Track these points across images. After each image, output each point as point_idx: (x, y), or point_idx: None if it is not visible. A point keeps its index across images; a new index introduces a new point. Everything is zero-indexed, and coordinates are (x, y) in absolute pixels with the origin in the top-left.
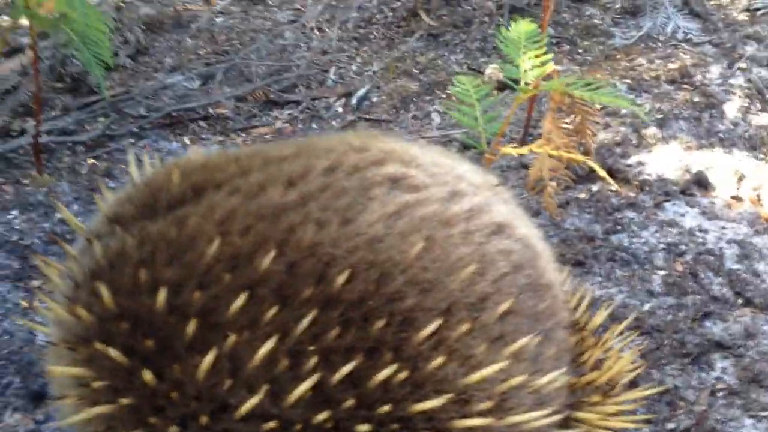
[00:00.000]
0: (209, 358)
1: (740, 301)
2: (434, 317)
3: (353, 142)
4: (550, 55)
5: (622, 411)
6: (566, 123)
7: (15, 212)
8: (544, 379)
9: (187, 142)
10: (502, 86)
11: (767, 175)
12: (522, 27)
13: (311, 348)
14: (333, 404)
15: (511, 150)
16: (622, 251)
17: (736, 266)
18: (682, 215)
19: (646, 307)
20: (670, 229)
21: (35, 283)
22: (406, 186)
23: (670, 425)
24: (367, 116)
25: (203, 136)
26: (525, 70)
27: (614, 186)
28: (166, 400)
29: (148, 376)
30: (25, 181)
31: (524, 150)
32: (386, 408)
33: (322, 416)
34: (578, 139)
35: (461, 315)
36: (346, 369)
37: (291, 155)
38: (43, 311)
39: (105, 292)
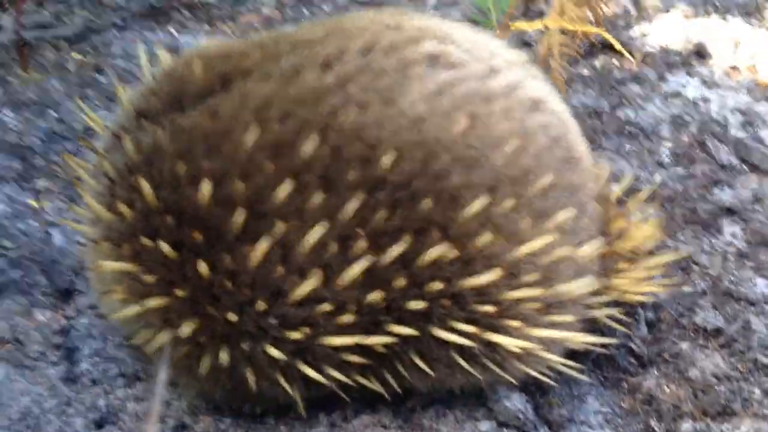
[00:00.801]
0: (262, 248)
1: (746, 167)
2: (480, 194)
3: (386, 20)
4: None
5: (647, 277)
6: None
7: (7, 111)
8: (586, 249)
9: (173, 32)
10: None
11: (762, 42)
12: None
13: (360, 231)
14: (384, 284)
15: (525, 25)
16: (629, 125)
17: (740, 134)
18: (684, 86)
19: (657, 178)
20: (674, 101)
21: (41, 183)
22: (444, 63)
23: (687, 289)
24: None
25: (188, 25)
26: None
27: (631, 59)
28: (221, 289)
29: (202, 267)
30: (11, 79)
31: (538, 24)
32: (437, 285)
33: (374, 296)
34: (588, 11)
35: (506, 190)
36: (396, 250)
37: (321, 37)
38: (80, 210)
39: (146, 186)
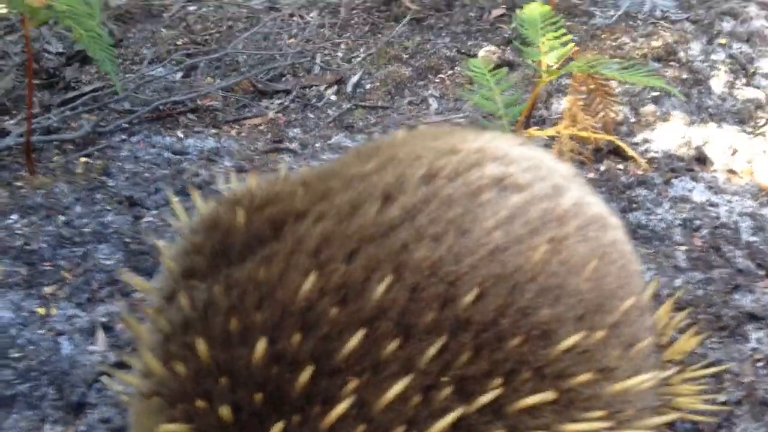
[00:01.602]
0: (338, 411)
1: (762, 272)
2: (571, 326)
3: (438, 143)
4: (569, 36)
5: (696, 389)
6: (583, 103)
7: (14, 216)
8: (667, 373)
9: (180, 135)
10: (496, 67)
11: (757, 148)
12: (536, 9)
13: (444, 379)
14: None
15: (538, 132)
16: (641, 229)
17: (752, 238)
18: (690, 190)
19: (677, 282)
20: (683, 205)
21: (47, 289)
22: (511, 186)
23: (722, 398)
24: (363, 103)
25: (195, 129)
26: (545, 52)
27: (641, 161)
28: None
29: None
30: (19, 183)
31: (551, 131)
32: None
33: None
34: (597, 119)
35: (594, 319)
36: (487, 397)
37: (374, 168)
38: (131, 359)
39: (200, 344)
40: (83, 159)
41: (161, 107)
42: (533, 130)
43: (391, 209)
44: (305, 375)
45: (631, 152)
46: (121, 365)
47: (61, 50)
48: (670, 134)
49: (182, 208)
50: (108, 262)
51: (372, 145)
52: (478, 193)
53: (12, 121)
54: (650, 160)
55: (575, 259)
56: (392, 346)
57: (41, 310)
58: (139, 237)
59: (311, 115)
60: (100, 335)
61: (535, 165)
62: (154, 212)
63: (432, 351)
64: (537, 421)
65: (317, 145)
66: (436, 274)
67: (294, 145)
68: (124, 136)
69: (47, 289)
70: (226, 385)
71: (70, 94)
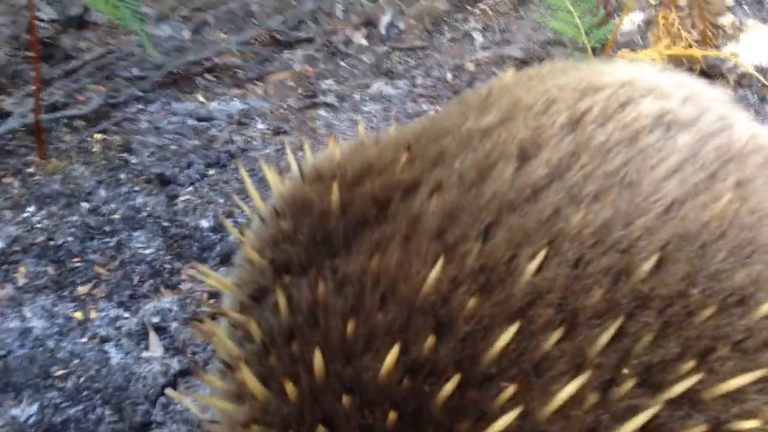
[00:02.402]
0: (500, 426)
1: None
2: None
3: (567, 79)
4: None
5: None
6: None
7: (31, 208)
8: None
9: (202, 99)
10: None
11: None
12: None
13: (624, 371)
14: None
15: (632, 54)
16: None
17: None
18: None
19: None
20: None
21: (81, 289)
22: (675, 124)
23: None
24: (399, 45)
25: (216, 90)
26: None
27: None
28: None
29: None
30: (30, 170)
31: (648, 53)
32: (745, 424)
33: None
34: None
35: None
36: (681, 386)
37: (496, 120)
38: (208, 378)
39: (317, 357)
40: (98, 136)
41: (175, 70)
42: (625, 53)
43: (531, 168)
44: (449, 386)
45: (750, 70)
46: (186, 373)
47: (54, 17)
48: (753, 47)
49: (251, 185)
50: (147, 251)
51: (479, 94)
52: (638, 137)
53: (11, 100)
54: (741, 77)
55: (765, 204)
56: (554, 337)
57: (78, 315)
58: (177, 219)
59: (343, 63)
60: (153, 338)
61: (692, 94)
62: (190, 189)
63: (605, 338)
64: (743, 406)
65: (356, 96)
66: (602, 241)
67: (330, 99)
68: (140, 106)
69: (81, 289)
70: (351, 404)
71: (72, 65)
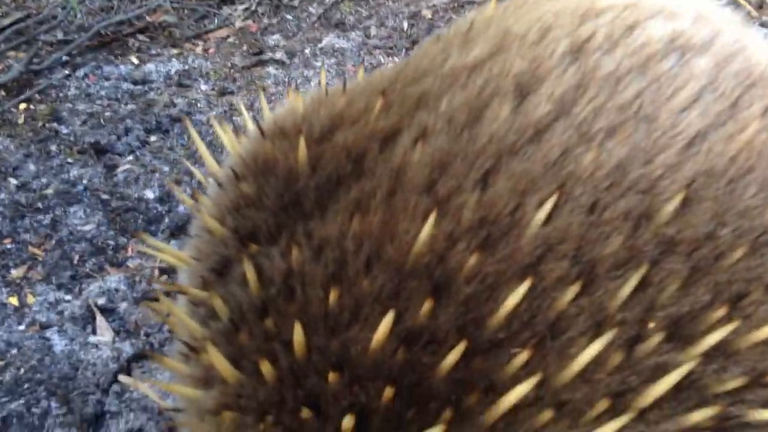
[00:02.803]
0: (515, 395)
1: None
2: None
3: (560, 6)
4: None
5: None
6: None
7: None
8: None
9: (135, 61)
10: None
11: None
12: None
13: (650, 325)
14: (702, 390)
15: None
16: None
17: None
18: None
19: None
20: None
21: (15, 273)
22: (689, 47)
23: None
24: None
25: (152, 51)
26: None
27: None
28: None
29: None
30: None
31: None
32: None
33: (699, 415)
34: None
35: None
36: (714, 337)
37: (485, 54)
38: (170, 363)
39: (297, 331)
40: (22, 105)
41: (103, 31)
42: None
43: (532, 105)
44: (452, 355)
45: None
46: (141, 357)
47: None
48: None
49: (204, 147)
50: (86, 228)
51: (458, 28)
52: (650, 64)
53: None
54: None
55: None
56: (570, 293)
57: (14, 300)
58: (119, 191)
59: (289, 17)
60: (100, 321)
61: (702, 14)
62: (130, 158)
63: (627, 290)
64: None
65: (306, 51)
66: (619, 183)
67: (279, 55)
68: (66, 72)
69: (15, 273)
70: (339, 382)
71: None
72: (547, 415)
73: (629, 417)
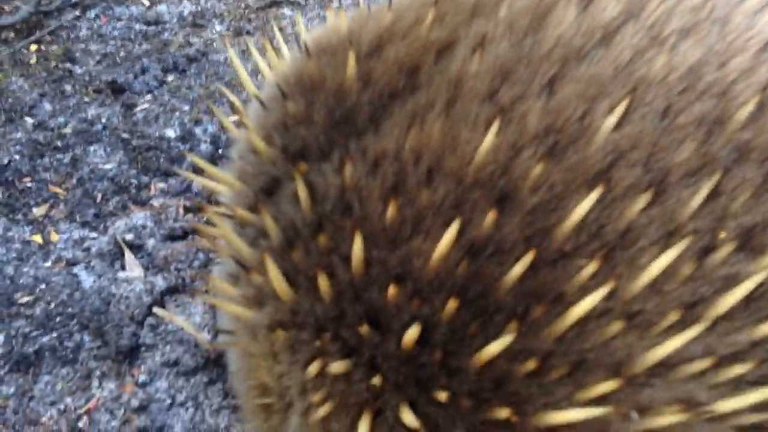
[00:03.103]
0: (584, 307)
1: None
2: None
3: None
4: None
5: None
6: None
7: None
8: None
9: (146, 2)
10: None
11: None
12: None
13: (721, 234)
14: None
15: None
16: None
17: None
18: None
19: None
20: None
21: (37, 211)
22: None
23: None
24: None
25: None
26: None
27: None
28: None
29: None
30: None
31: None
32: None
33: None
34: None
35: None
36: None
37: None
38: (221, 284)
39: (356, 244)
40: (33, 47)
41: None
42: None
43: (599, 7)
44: (518, 266)
45: None
46: (174, 290)
47: None
48: None
49: (242, 68)
50: (108, 166)
51: None
52: None
53: None
54: None
55: None
56: (641, 202)
57: (37, 238)
58: (138, 130)
59: None
60: (129, 257)
61: None
62: (148, 97)
63: (699, 198)
64: None
65: None
66: (693, 87)
67: None
68: (77, 13)
69: (37, 211)
70: (400, 295)
71: None
72: (617, 326)
73: (700, 328)
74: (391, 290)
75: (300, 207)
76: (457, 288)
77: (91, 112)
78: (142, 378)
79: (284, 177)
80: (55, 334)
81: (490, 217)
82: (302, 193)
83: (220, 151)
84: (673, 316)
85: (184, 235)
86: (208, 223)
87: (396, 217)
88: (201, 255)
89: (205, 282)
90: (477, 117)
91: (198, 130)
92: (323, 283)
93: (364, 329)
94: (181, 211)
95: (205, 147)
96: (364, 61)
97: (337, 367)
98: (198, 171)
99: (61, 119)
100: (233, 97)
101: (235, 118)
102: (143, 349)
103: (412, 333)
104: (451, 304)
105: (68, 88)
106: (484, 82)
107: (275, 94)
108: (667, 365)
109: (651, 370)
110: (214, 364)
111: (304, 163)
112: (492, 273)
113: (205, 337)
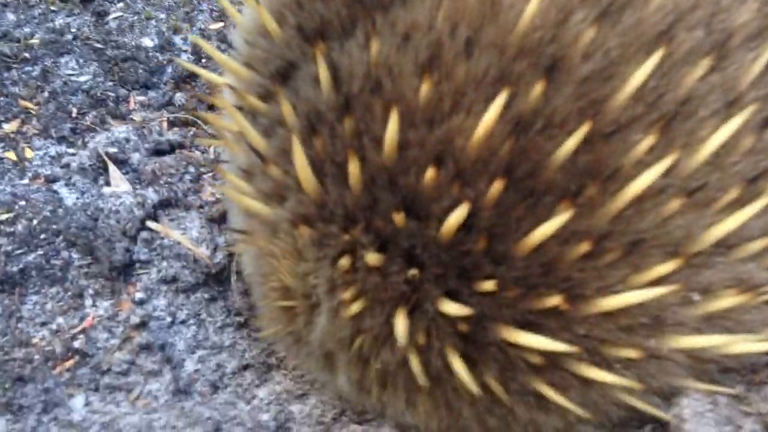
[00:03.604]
0: (645, 181)
1: None
2: None
3: None
4: None
5: None
6: None
7: None
8: None
9: None
10: None
11: None
12: None
13: None
14: None
15: None
16: None
17: None
18: None
19: None
20: None
21: (8, 127)
22: None
23: None
24: None
25: None
26: None
27: None
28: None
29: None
30: None
31: None
32: None
33: None
34: None
35: None
36: None
37: None
38: (238, 180)
39: (393, 124)
40: None
41: None
42: None
43: None
44: (571, 140)
45: None
46: (167, 204)
47: None
48: None
49: None
50: (82, 79)
51: None
52: None
53: None
54: None
55: None
56: (702, 68)
57: (11, 155)
58: (113, 40)
59: None
60: (114, 172)
61: None
62: (120, 5)
63: (760, 64)
64: None
65: None
66: None
67: None
68: None
69: (8, 127)
70: (441, 177)
71: None
72: (676, 204)
73: (762, 203)
74: (430, 173)
75: (322, 89)
76: (503, 167)
77: (59, 21)
78: (138, 296)
79: (300, 59)
80: (40, 252)
81: (538, 88)
82: (324, 73)
83: (203, 61)
84: (733, 192)
85: (171, 149)
86: (196, 137)
87: (433, 94)
88: (192, 169)
89: (215, 178)
90: None
91: (177, 39)
92: (354, 168)
93: (400, 217)
94: (165, 125)
95: (186, 57)
96: None
97: (371, 259)
98: (179, 83)
99: (26, 29)
100: None
101: (218, 25)
102: (138, 265)
103: (454, 218)
104: (497, 185)
105: None
106: None
107: None
108: (726, 244)
109: (710, 249)
110: (214, 280)
111: (323, 43)
112: (541, 149)
113: (203, 251)
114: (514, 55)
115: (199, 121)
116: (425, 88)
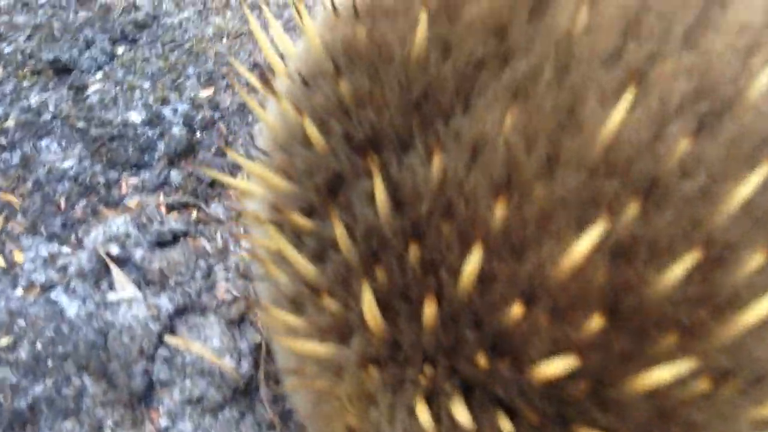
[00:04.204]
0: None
1: None
2: None
3: None
4: None
5: None
6: None
7: None
8: None
9: None
10: None
11: None
12: None
13: None
14: None
15: None
16: None
17: None
18: None
19: None
20: None
21: None
22: None
23: None
24: None
25: None
26: None
27: None
28: None
29: None
30: None
31: None
32: None
33: None
34: None
35: None
36: None
37: None
38: (286, 317)
39: (475, 254)
40: None
41: None
42: None
43: None
44: (680, 266)
45: None
46: (183, 311)
47: None
48: None
49: (261, 33)
50: (66, 164)
51: None
52: None
53: None
54: None
55: None
56: None
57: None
58: (95, 117)
59: None
60: (117, 274)
61: None
62: (99, 75)
63: None
64: None
65: None
66: None
67: None
68: None
69: None
70: (538, 316)
71: None
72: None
73: None
74: (516, 309)
75: (379, 212)
76: (605, 301)
77: (34, 98)
78: (163, 422)
79: (350, 172)
80: (49, 382)
81: (633, 210)
82: (381, 194)
83: (197, 134)
84: None
85: (175, 239)
86: (200, 222)
87: (514, 218)
88: (202, 263)
89: (252, 309)
90: (602, 84)
91: (167, 111)
92: (430, 308)
93: (485, 360)
94: (163, 209)
95: (178, 131)
96: (435, 23)
97: (459, 412)
98: (173, 161)
99: (0, 111)
100: (248, 75)
101: (208, 92)
102: (159, 387)
103: (555, 367)
104: (596, 322)
105: (0, 72)
106: (604, 38)
107: (322, 69)
108: None
109: None
110: (243, 395)
111: (376, 155)
112: (645, 278)
113: (228, 362)
114: (603, 173)
115: (200, 203)
116: (504, 213)
